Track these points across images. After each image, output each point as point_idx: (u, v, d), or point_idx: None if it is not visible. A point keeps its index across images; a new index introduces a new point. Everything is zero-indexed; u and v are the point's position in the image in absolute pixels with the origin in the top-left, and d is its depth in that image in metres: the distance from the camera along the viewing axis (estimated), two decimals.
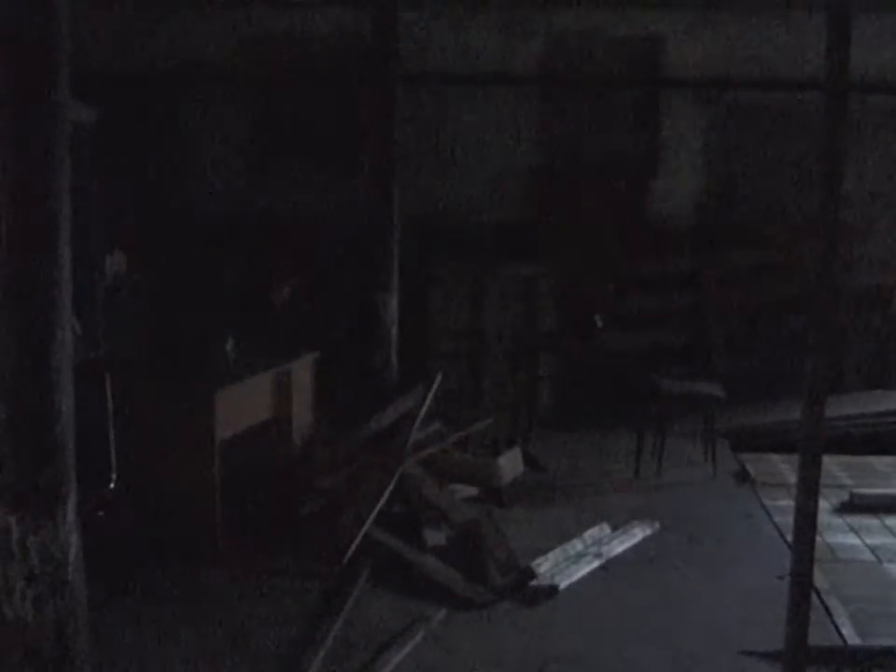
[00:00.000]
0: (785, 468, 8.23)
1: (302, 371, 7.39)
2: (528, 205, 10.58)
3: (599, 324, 8.86)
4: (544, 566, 5.97)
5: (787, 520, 7.02)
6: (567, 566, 6.05)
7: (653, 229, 10.49)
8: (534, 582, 5.79)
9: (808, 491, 2.91)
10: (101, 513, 5.94)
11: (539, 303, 10.00)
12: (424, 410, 7.67)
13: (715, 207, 10.65)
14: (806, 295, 3.37)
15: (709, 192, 10.73)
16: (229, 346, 6.98)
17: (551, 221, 10.30)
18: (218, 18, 10.50)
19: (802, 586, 2.99)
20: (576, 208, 10.35)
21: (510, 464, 7.66)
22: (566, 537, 6.45)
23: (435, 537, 6.33)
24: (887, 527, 7.13)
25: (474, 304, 9.99)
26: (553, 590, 5.73)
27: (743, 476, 8.11)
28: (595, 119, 10.72)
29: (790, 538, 6.58)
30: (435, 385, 7.92)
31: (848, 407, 9.69)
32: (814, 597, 5.67)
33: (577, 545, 6.35)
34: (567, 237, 10.16)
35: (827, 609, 5.65)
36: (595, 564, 6.17)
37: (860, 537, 6.93)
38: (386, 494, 6.57)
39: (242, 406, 6.61)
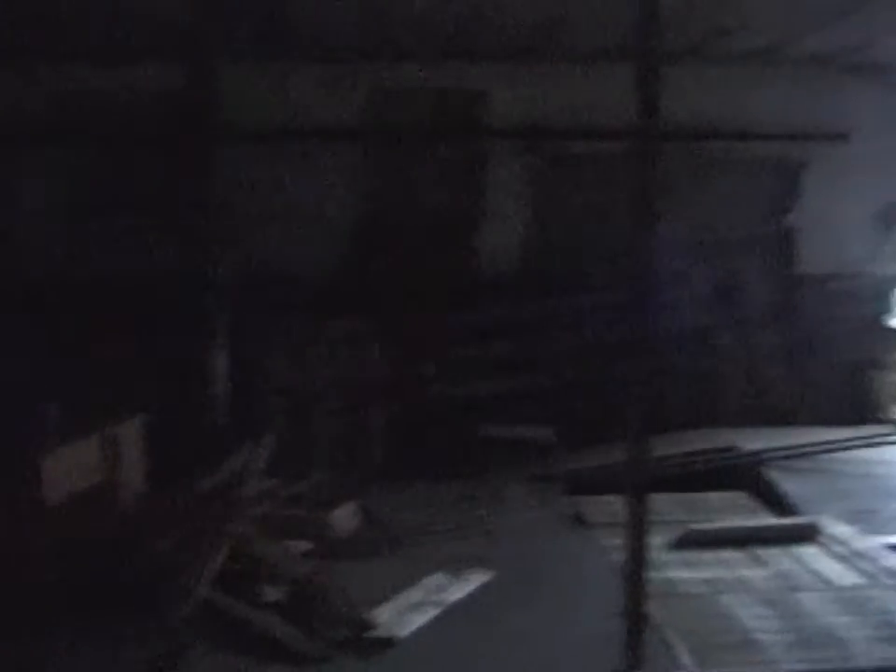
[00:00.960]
0: (618, 508, 8.31)
1: (130, 432, 7.22)
2: (355, 261, 10.57)
3: (430, 372, 8.89)
4: (382, 616, 5.92)
5: (621, 558, 7.12)
6: (405, 615, 6.00)
7: (483, 280, 10.59)
8: (372, 634, 5.73)
9: (636, 528, 2.93)
10: None
11: (368, 357, 9.98)
12: (256, 468, 7.57)
13: (542, 256, 10.81)
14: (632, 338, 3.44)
15: (536, 241, 10.88)
16: (52, 411, 6.78)
17: (379, 276, 10.32)
18: (30, 74, 10.26)
19: (635, 622, 3.00)
20: (403, 262, 10.39)
21: (345, 517, 7.60)
22: (403, 587, 6.41)
23: (271, 593, 6.23)
24: (720, 560, 7.26)
25: (304, 360, 9.91)
26: (390, 641, 5.68)
27: (577, 518, 8.18)
28: (421, 174, 10.79)
29: None
30: (267, 443, 7.83)
31: (675, 446, 9.89)
32: (653, 632, 5.75)
33: (415, 594, 6.32)
34: (396, 291, 10.18)
35: (666, 642, 5.70)
36: (434, 612, 6.13)
37: (695, 571, 7.04)
38: (220, 554, 6.44)
39: (69, 471, 6.42)
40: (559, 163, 10.92)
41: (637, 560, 2.97)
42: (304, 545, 7.20)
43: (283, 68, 10.40)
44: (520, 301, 10.34)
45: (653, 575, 6.70)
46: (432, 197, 10.76)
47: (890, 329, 11.22)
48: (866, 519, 8.40)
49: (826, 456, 9.82)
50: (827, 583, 6.82)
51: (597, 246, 10.35)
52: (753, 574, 6.98)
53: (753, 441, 10.03)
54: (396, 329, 9.98)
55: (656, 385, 10.27)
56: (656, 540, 7.52)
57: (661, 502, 8.53)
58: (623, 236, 3.54)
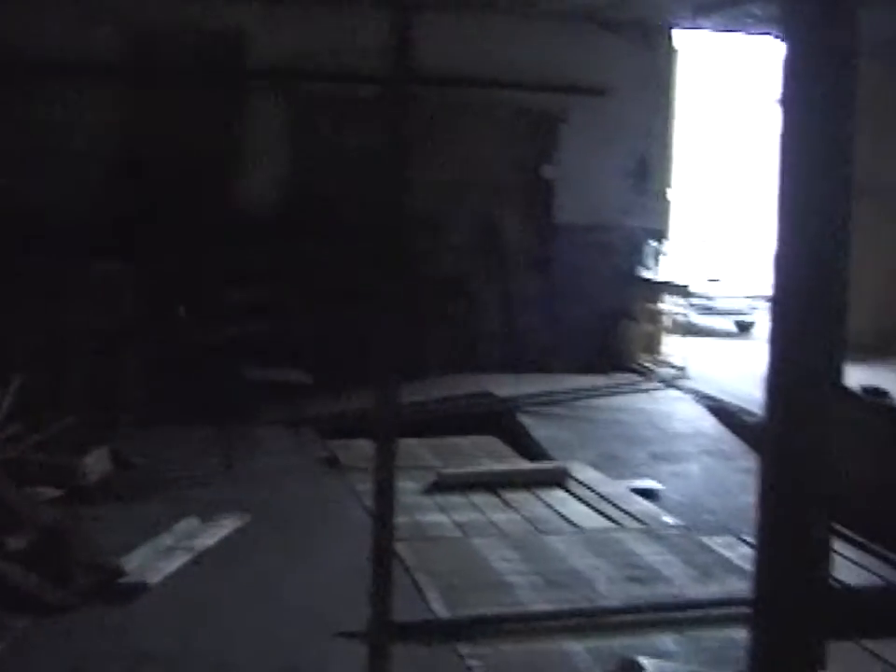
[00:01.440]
0: (372, 452, 8.39)
1: None
2: (111, 201, 10.28)
3: (182, 313, 8.73)
4: (132, 563, 5.80)
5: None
6: (156, 562, 5.90)
7: (240, 222, 10.45)
8: (122, 581, 5.61)
9: (385, 471, 2.95)
10: None
11: (124, 299, 9.73)
12: (2, 411, 7.31)
13: (300, 199, 10.73)
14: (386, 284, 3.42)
15: (293, 184, 10.80)
16: None
17: (137, 217, 10.06)
18: None
19: (382, 564, 3.03)
20: (162, 203, 10.16)
21: (96, 462, 7.42)
22: (155, 532, 6.30)
23: (16, 542, 6.02)
24: (472, 504, 7.40)
25: (57, 301, 9.59)
26: (141, 587, 5.57)
27: (332, 462, 8.21)
28: (183, 114, 10.54)
29: None
30: (14, 387, 7.56)
31: (433, 391, 10.03)
32: (404, 575, 5.83)
33: (166, 540, 6.21)
34: (154, 232, 9.95)
35: (417, 585, 5.79)
36: (186, 558, 6.05)
37: (447, 514, 7.15)
38: None
39: None
40: (317, 105, 10.85)
41: (384, 501, 2.99)
42: (53, 491, 6.99)
43: (38, 4, 10.02)
44: (279, 242, 10.25)
45: (406, 519, 6.82)
46: (191, 137, 10.53)
47: (642, 281, 11.60)
48: (612, 464, 8.70)
49: (577, 403, 10.12)
50: (574, 526, 7.03)
51: (356, 190, 10.33)
52: (503, 517, 7.14)
53: (508, 387, 10.26)
54: (151, 269, 9.75)
55: (409, 330, 10.41)
56: (409, 485, 7.63)
57: (415, 447, 8.67)
58: (380, 181, 3.53)
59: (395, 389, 3.02)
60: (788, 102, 1.24)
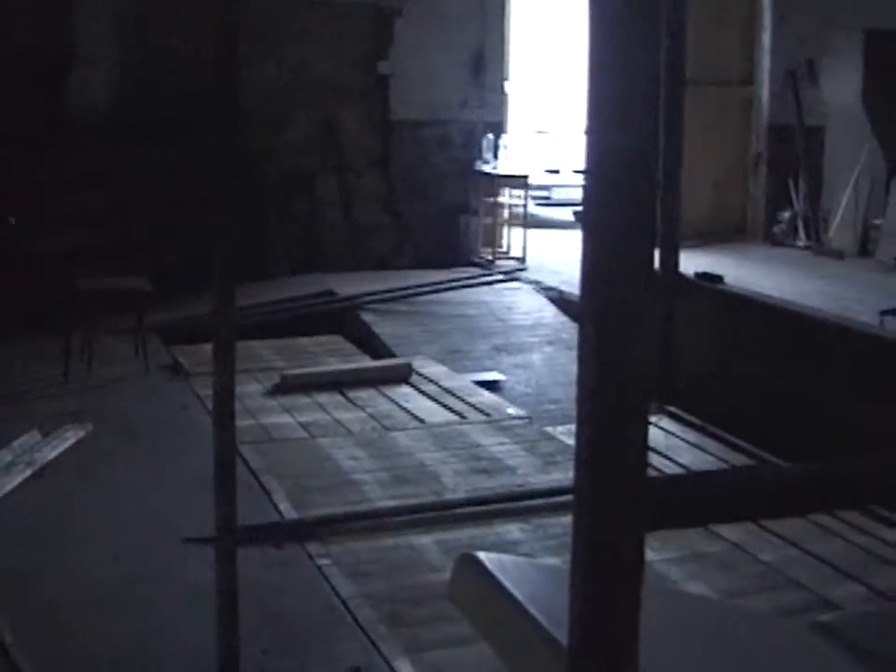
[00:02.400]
0: None
1: None
2: None
3: (12, 222, 8.48)
4: None
5: None
6: None
7: (71, 125, 10.14)
8: None
9: (223, 373, 2.93)
10: None
11: None
12: None
13: (134, 102, 10.45)
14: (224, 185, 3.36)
15: (126, 87, 10.51)
16: None
17: None
18: None
19: (225, 468, 3.02)
20: None
21: None
22: None
23: None
24: (317, 404, 7.41)
25: None
26: None
27: (176, 369, 8.12)
28: (8, 12, 10.12)
29: None
30: None
31: (275, 292, 9.96)
32: (251, 478, 5.85)
33: (6, 456, 6.08)
34: None
35: (264, 487, 5.80)
36: (28, 472, 5.94)
37: (292, 416, 7.15)
38: None
39: None
40: (146, 2, 10.53)
41: (225, 407, 2.98)
42: None
43: None
44: (109, 149, 9.98)
45: (250, 422, 6.82)
46: (21, 35, 10.13)
47: (481, 174, 11.63)
48: (456, 358, 8.80)
49: (419, 299, 10.16)
50: (419, 421, 7.11)
51: (191, 90, 10.09)
52: (349, 416, 7.17)
53: (351, 285, 10.25)
54: None
55: (252, 230, 10.28)
56: (254, 387, 7.62)
57: (259, 348, 8.64)
58: (213, 80, 3.45)
59: (231, 291, 2.99)
60: None
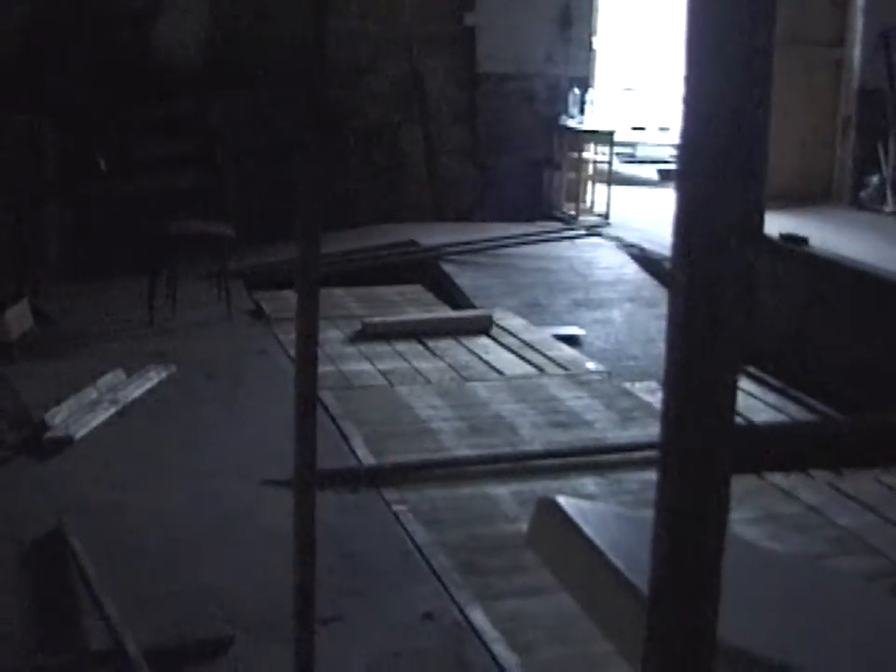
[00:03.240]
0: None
1: None
2: (26, 50, 9.98)
3: (103, 167, 8.58)
4: (58, 417, 5.80)
5: None
6: (81, 415, 5.90)
7: (158, 70, 10.22)
8: (48, 435, 5.62)
9: (307, 319, 2.95)
10: None
11: (42, 150, 9.51)
12: None
13: (224, 48, 10.51)
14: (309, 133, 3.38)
15: (214, 32, 10.56)
16: None
17: (52, 67, 9.78)
18: None
19: (305, 412, 3.05)
20: (77, 54, 9.88)
21: (16, 318, 7.35)
22: (79, 387, 6.29)
23: None
24: (397, 352, 7.45)
25: None
26: (68, 440, 5.59)
27: (258, 314, 8.20)
28: None
29: None
30: None
31: (359, 241, 10.00)
32: (330, 423, 5.90)
33: (91, 393, 6.21)
34: (69, 83, 9.70)
35: (343, 433, 5.86)
36: (112, 410, 6.05)
37: (372, 363, 7.20)
38: None
39: None
40: None
41: (307, 352, 3.01)
42: None
43: None
44: (198, 94, 10.05)
45: (330, 368, 6.87)
46: None
47: (566, 129, 11.56)
48: (536, 312, 8.79)
49: (501, 251, 10.15)
50: (498, 373, 7.12)
51: (280, 38, 10.12)
52: (428, 366, 7.20)
53: (433, 236, 10.25)
54: (71, 121, 9.53)
55: (337, 179, 10.33)
56: (334, 334, 7.67)
57: (341, 296, 8.70)
58: (300, 30, 3.47)
59: (316, 238, 3.00)
60: None
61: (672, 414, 1.30)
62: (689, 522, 1.27)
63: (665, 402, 1.31)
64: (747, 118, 1.27)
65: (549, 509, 2.15)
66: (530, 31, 11.37)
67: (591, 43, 11.87)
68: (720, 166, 1.24)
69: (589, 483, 5.38)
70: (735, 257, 1.26)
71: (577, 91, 11.53)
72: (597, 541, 1.90)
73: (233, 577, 4.32)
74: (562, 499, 2.17)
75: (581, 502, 2.55)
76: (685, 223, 1.28)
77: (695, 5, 1.25)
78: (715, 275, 1.27)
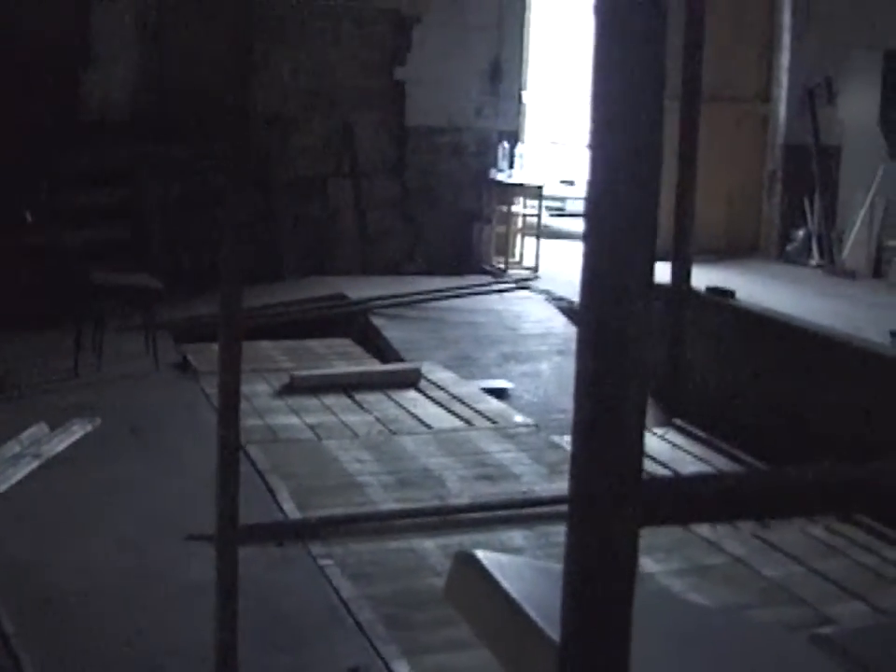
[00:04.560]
0: None
1: None
2: None
3: (29, 218, 8.52)
4: None
5: None
6: (3, 469, 5.80)
7: (88, 121, 10.18)
8: None
9: (228, 370, 2.95)
10: None
11: None
12: None
13: (149, 98, 10.49)
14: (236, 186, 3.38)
15: (143, 82, 10.55)
16: None
17: None
18: None
19: (228, 465, 3.04)
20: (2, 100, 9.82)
21: None
22: (2, 440, 6.19)
23: None
24: (325, 406, 7.42)
25: None
26: None
27: (184, 366, 8.15)
28: (23, 5, 10.15)
29: None
30: None
31: (287, 294, 9.99)
32: (256, 477, 5.86)
33: (13, 447, 6.11)
34: None
35: (269, 487, 5.82)
36: (34, 464, 5.97)
37: (300, 417, 7.16)
38: None
39: None
40: (166, 3, 10.57)
41: (229, 400, 3.00)
42: None
43: None
44: (126, 145, 10.02)
45: (258, 422, 6.84)
46: (37, 34, 10.16)
47: (495, 182, 11.65)
48: (465, 365, 8.80)
49: (430, 305, 10.17)
50: (426, 427, 7.12)
51: (204, 92, 10.13)
52: (356, 419, 7.18)
53: (362, 289, 10.26)
54: None
55: (265, 232, 10.32)
56: (262, 387, 7.63)
57: (269, 349, 8.67)
58: (228, 83, 3.46)
59: (238, 288, 3.01)
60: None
61: (580, 466, 1.31)
62: (596, 570, 1.27)
63: (573, 455, 1.32)
64: (644, 178, 1.30)
65: (467, 562, 2.15)
66: (460, 84, 11.47)
67: (520, 97, 11.99)
68: (620, 224, 1.26)
69: (517, 535, 5.38)
70: (639, 312, 1.28)
71: (506, 144, 11.64)
72: (512, 593, 1.90)
73: (154, 632, 4.26)
74: (480, 553, 2.17)
75: (500, 556, 2.55)
76: (590, 280, 1.29)
77: (596, 74, 1.28)
78: (620, 330, 1.28)
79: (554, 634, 1.74)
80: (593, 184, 1.29)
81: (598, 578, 1.28)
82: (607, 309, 1.28)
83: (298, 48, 10.88)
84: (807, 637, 2.36)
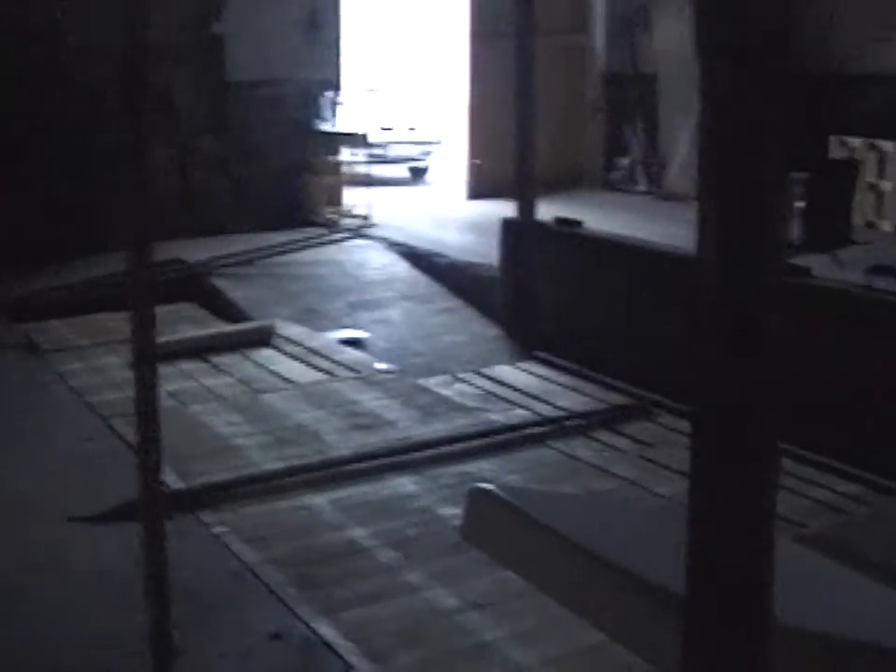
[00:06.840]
0: (67, 331, 8.07)
1: None
2: None
3: None
4: None
5: (82, 382, 6.90)
6: None
7: None
8: None
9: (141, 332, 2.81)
10: None
11: None
12: None
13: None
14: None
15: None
16: None
17: None
18: None
19: (147, 437, 2.91)
20: None
21: None
22: None
23: None
24: (182, 372, 7.22)
25: None
26: None
27: (30, 346, 7.82)
28: None
29: (88, 398, 6.48)
30: None
31: (121, 264, 9.65)
32: (127, 451, 5.65)
33: None
34: None
35: None
36: None
37: (159, 385, 6.93)
38: None
39: None
40: None
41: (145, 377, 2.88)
42: None
43: None
44: None
45: (118, 395, 6.60)
46: None
47: (321, 133, 11.48)
48: (314, 318, 8.69)
49: (269, 261, 9.99)
50: (289, 382, 7.00)
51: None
52: (217, 382, 7.03)
53: (197, 251, 10.01)
54: None
55: (86, 200, 9.94)
56: (113, 360, 7.39)
57: (113, 320, 8.38)
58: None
59: (149, 253, 2.86)
60: None
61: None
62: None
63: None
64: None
65: (485, 498, 2.06)
66: (278, 36, 11.22)
67: (338, 46, 11.81)
68: None
69: (406, 482, 5.34)
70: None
71: (327, 94, 11.46)
72: (557, 526, 1.84)
73: (55, 620, 4.08)
74: (494, 487, 2.10)
75: (514, 487, 2.49)
76: None
77: None
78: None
79: (600, 554, 1.68)
80: None
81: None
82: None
83: (104, 7, 10.45)
84: (793, 537, 2.36)
